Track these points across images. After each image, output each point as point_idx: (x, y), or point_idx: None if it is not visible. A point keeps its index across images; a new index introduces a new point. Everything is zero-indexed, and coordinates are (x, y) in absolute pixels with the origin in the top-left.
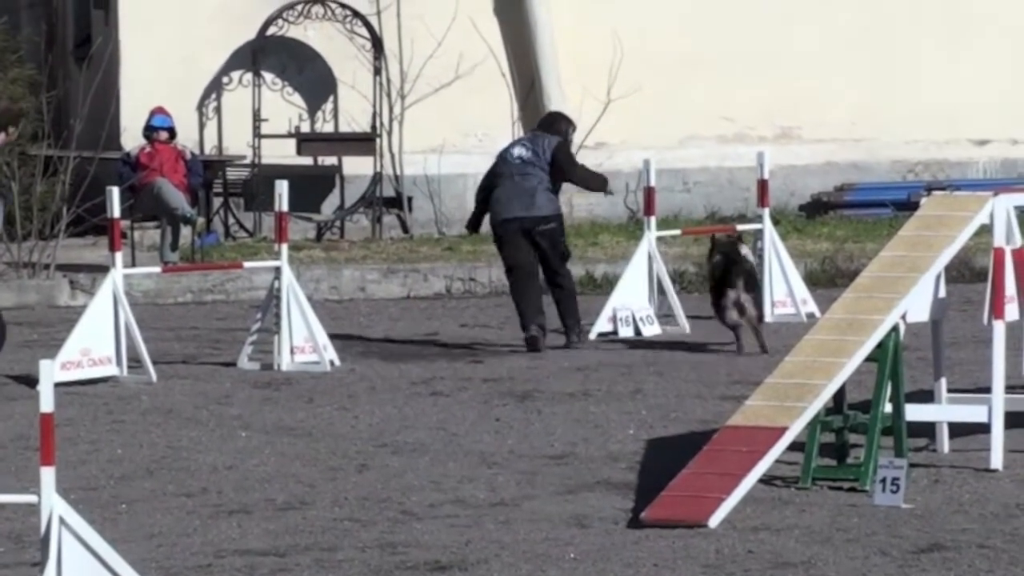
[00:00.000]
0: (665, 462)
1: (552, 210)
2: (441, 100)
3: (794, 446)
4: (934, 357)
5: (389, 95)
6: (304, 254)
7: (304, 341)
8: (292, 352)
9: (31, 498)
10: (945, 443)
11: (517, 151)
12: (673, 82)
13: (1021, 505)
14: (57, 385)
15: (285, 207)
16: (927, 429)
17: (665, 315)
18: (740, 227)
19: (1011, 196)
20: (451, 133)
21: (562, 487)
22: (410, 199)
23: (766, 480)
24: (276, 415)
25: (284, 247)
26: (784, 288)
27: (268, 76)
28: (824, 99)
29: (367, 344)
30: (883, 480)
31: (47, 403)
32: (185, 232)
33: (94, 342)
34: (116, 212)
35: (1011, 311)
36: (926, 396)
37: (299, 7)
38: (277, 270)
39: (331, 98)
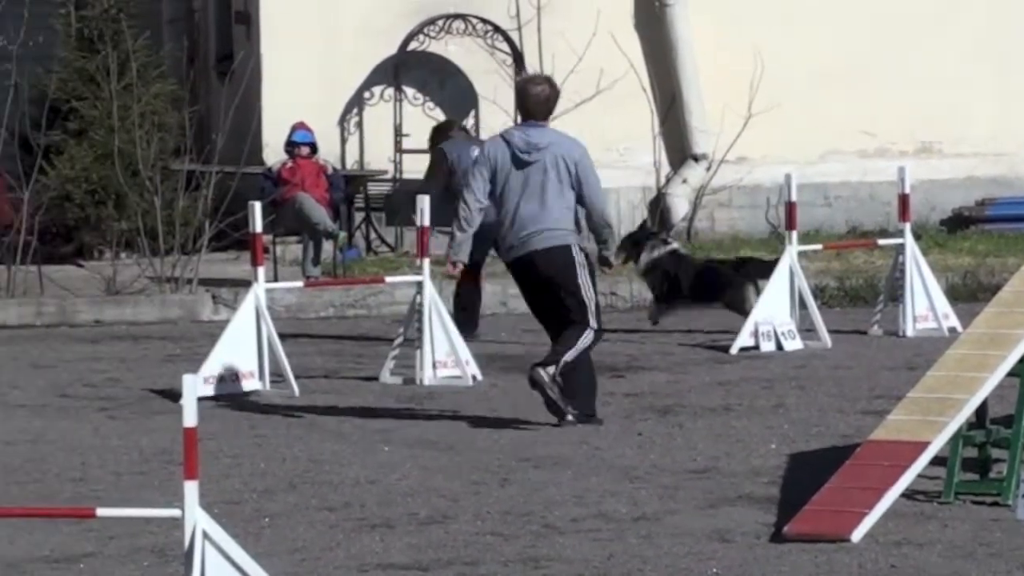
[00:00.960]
0: (807, 476)
1: None
2: (582, 115)
3: (936, 460)
4: None
5: None
6: (445, 269)
7: (446, 355)
8: (434, 366)
9: (175, 512)
10: None
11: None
12: (813, 97)
13: None
14: (200, 399)
15: (427, 222)
16: None
17: (807, 329)
18: (882, 241)
19: None
20: (592, 148)
21: (704, 501)
22: None
23: (908, 494)
24: (418, 429)
25: (426, 262)
26: (925, 303)
27: (409, 91)
28: (965, 113)
29: (509, 359)
30: None
31: (190, 417)
32: (327, 247)
33: (237, 357)
34: (258, 227)
35: None
36: None
37: (440, 22)
38: (419, 285)
39: (472, 113)
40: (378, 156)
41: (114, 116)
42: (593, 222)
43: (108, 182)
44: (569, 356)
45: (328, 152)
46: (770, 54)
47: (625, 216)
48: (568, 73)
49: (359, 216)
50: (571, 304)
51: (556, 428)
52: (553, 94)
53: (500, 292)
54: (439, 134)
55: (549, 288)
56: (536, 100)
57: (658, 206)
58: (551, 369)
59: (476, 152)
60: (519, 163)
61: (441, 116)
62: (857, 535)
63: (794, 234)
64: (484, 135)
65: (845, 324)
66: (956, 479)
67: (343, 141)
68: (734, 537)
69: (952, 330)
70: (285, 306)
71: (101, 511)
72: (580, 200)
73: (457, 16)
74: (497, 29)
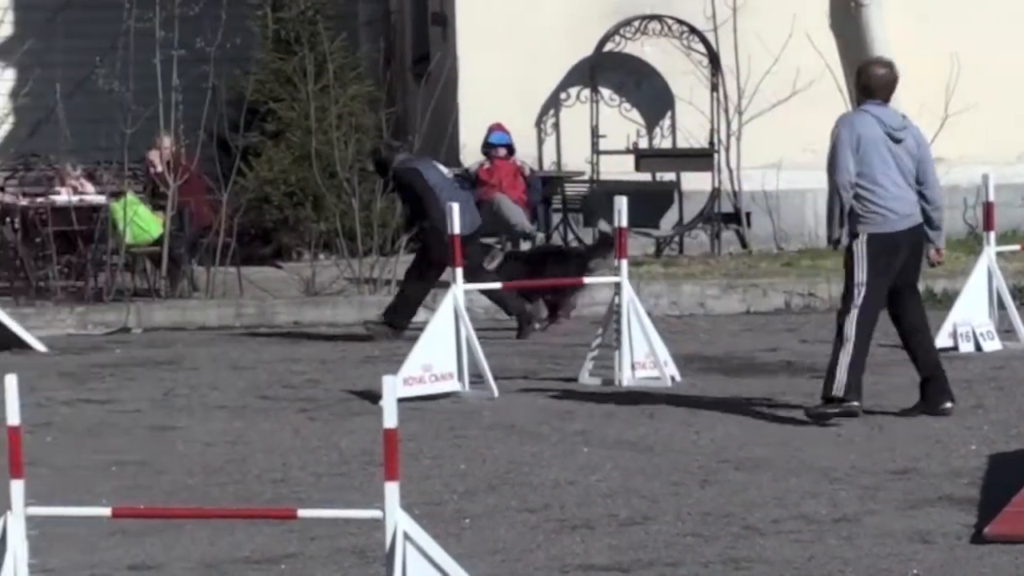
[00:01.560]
0: (1008, 478)
1: None
2: (778, 116)
3: None
4: None
5: (726, 111)
6: (644, 270)
7: (645, 356)
8: (633, 367)
9: (376, 513)
10: None
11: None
12: (1010, 97)
13: None
14: (400, 401)
15: (624, 223)
16: None
17: (1005, 330)
18: None
19: None
20: (789, 149)
21: (904, 502)
22: (748, 215)
23: None
24: (617, 430)
25: (624, 263)
26: None
27: (606, 92)
28: None
29: (707, 360)
30: None
31: (391, 418)
32: (525, 248)
33: (436, 358)
34: (456, 228)
35: None
36: None
37: (636, 23)
38: (617, 286)
39: (668, 114)
40: (575, 157)
41: (311, 118)
42: (932, 205)
43: (306, 184)
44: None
45: (525, 153)
46: (966, 54)
47: (822, 218)
48: (764, 74)
49: (556, 217)
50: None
51: (754, 429)
52: (895, 77)
53: (698, 293)
54: (391, 154)
55: (903, 270)
56: (883, 81)
57: None
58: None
59: (436, 166)
60: (894, 139)
61: (637, 117)
62: None
63: (992, 235)
64: (680, 137)
65: None
66: None
67: (540, 142)
68: (935, 538)
69: None
70: (484, 307)
71: (302, 512)
72: (919, 180)
73: (653, 17)
74: (693, 30)
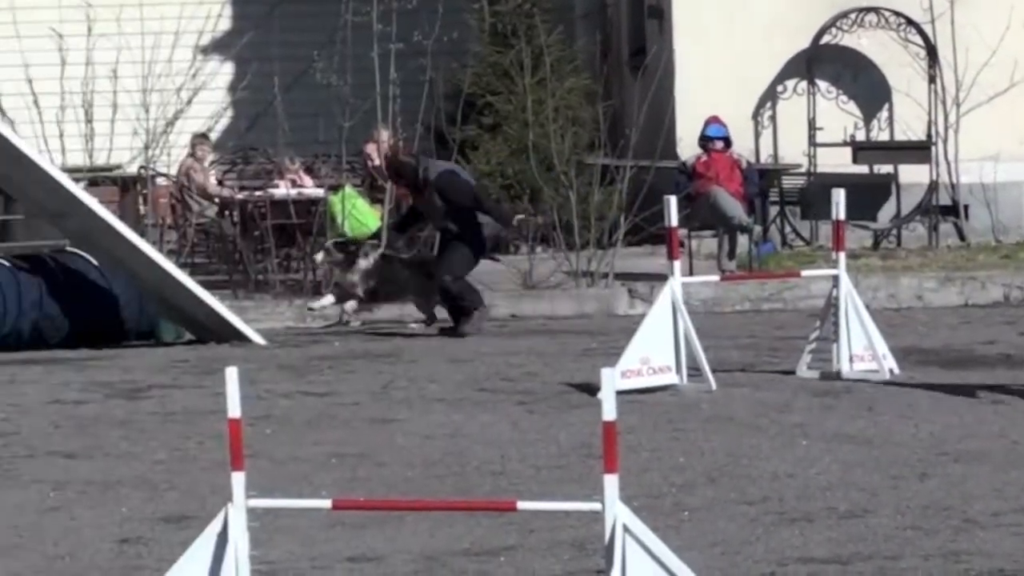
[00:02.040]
0: None
1: None
2: (996, 108)
3: None
4: None
5: (944, 103)
6: (861, 262)
7: (863, 349)
8: (851, 360)
9: (595, 506)
10: None
11: None
12: None
13: None
14: (618, 393)
15: (842, 215)
16: None
17: None
18: None
19: None
20: (1007, 141)
21: None
22: (966, 207)
23: None
24: (836, 423)
25: (842, 255)
26: None
27: (822, 84)
28: None
29: (925, 352)
30: None
31: (610, 411)
32: (742, 241)
33: (653, 351)
34: (674, 221)
35: None
36: None
37: (853, 15)
38: (835, 278)
39: (886, 106)
40: (792, 150)
41: (528, 111)
42: None
43: (523, 176)
44: None
45: (742, 146)
46: None
47: None
48: (982, 66)
49: (774, 210)
50: None
51: (974, 421)
52: None
53: (916, 286)
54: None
55: None
56: None
57: None
58: None
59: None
60: None
61: (854, 109)
62: None
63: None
64: (898, 129)
65: None
66: None
67: (756, 135)
68: None
69: None
70: (701, 300)
71: (522, 504)
72: None
73: (870, 9)
74: (910, 22)
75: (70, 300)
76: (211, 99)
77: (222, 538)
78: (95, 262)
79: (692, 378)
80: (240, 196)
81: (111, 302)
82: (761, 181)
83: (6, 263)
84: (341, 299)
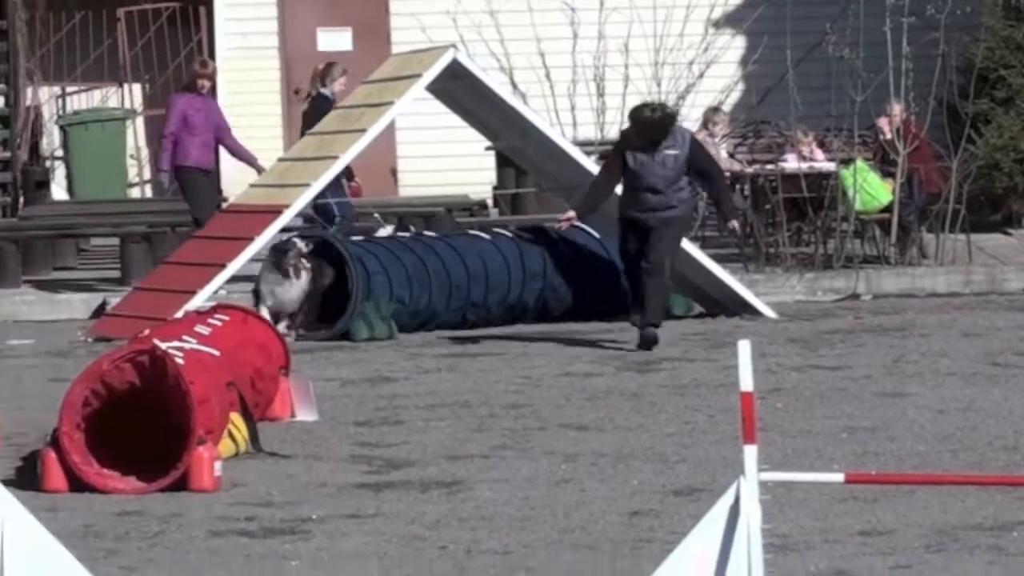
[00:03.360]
0: None
1: None
2: None
3: None
4: None
5: None
6: None
7: None
8: None
9: None
10: None
11: None
12: None
13: None
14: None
15: None
16: None
17: None
18: None
19: None
20: None
21: None
22: None
23: None
24: None
25: None
26: None
27: None
28: None
29: None
30: None
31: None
32: None
33: None
34: None
35: None
36: None
37: None
38: None
39: None
40: None
41: None
42: None
43: None
44: None
45: None
46: None
47: None
48: None
49: None
50: None
51: None
52: None
53: None
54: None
55: None
56: None
57: None
58: None
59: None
60: None
61: None
62: None
63: None
64: None
65: None
66: None
67: None
68: None
69: None
70: None
71: None
72: None
73: None
74: None
75: (573, 272)
76: (722, 73)
77: (734, 511)
78: (596, 235)
79: None
80: (751, 170)
81: (613, 275)
82: None
83: (508, 234)
84: None
